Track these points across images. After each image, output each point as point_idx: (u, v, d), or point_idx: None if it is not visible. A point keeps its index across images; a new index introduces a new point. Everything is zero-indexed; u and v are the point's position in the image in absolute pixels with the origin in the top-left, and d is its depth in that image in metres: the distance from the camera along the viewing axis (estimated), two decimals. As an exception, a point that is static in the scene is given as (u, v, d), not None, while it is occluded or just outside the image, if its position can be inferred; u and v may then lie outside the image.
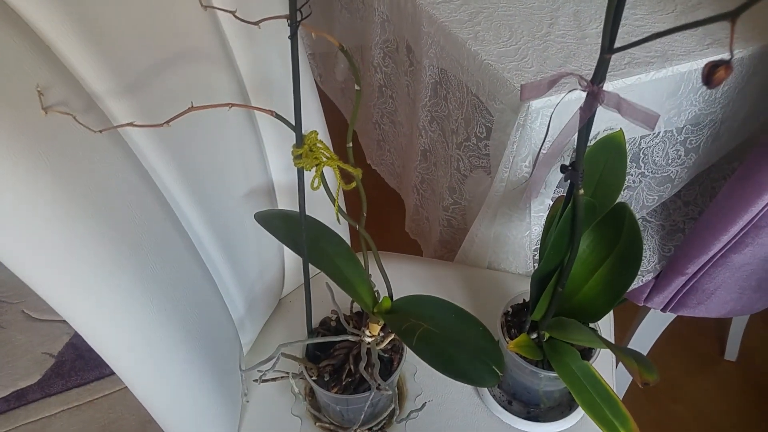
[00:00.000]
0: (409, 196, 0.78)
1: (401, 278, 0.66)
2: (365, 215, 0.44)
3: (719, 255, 0.69)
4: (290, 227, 0.47)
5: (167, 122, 0.34)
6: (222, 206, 0.48)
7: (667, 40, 0.62)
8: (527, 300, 0.56)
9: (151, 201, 0.41)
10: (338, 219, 0.43)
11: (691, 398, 1.00)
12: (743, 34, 0.62)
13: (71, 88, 0.34)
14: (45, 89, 0.32)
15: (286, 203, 0.58)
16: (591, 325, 0.51)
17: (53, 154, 0.33)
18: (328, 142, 0.59)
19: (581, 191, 0.40)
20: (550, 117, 0.53)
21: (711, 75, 0.28)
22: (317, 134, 0.39)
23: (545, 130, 0.55)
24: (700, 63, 0.60)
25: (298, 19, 0.34)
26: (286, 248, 0.60)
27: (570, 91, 0.53)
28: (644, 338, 0.80)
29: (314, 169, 0.39)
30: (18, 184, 0.31)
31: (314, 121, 0.57)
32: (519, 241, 0.64)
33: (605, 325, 0.64)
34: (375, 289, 0.47)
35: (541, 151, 0.56)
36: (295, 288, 0.66)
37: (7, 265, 0.34)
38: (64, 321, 0.37)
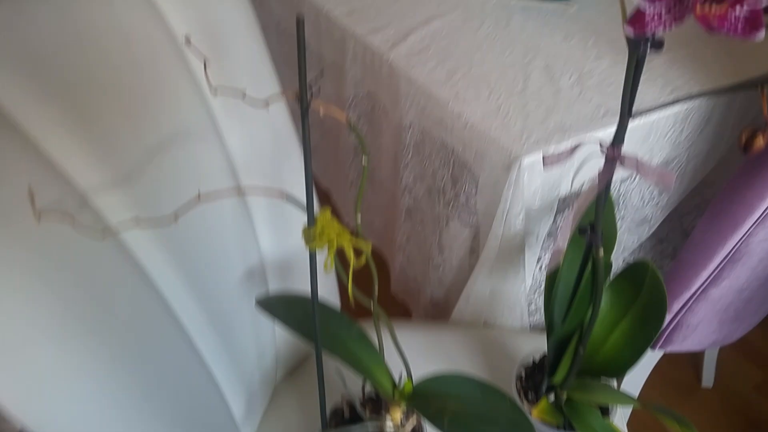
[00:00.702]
0: (394, 257, 0.76)
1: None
2: (377, 290, 0.41)
3: (700, 290, 0.71)
4: (295, 312, 0.43)
5: (175, 217, 0.31)
6: (218, 292, 0.44)
7: (633, 90, 0.65)
8: (536, 360, 0.55)
9: (151, 304, 0.36)
10: (351, 297, 0.40)
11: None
12: (700, 82, 0.66)
13: (61, 187, 0.30)
14: (34, 193, 0.28)
15: (274, 277, 0.54)
16: (603, 379, 0.50)
17: (47, 269, 0.29)
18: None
19: (601, 253, 0.40)
20: (575, 172, 0.54)
21: (750, 143, 0.29)
22: (330, 211, 0.37)
23: (565, 181, 0.55)
24: (666, 111, 0.63)
25: (309, 96, 0.32)
26: (278, 328, 0.55)
27: (574, 147, 0.53)
28: (635, 378, 0.81)
29: (325, 248, 0.36)
30: (11, 310, 0.27)
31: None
32: (515, 296, 0.63)
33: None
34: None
35: (565, 216, 0.56)
36: (288, 373, 0.60)
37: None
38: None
